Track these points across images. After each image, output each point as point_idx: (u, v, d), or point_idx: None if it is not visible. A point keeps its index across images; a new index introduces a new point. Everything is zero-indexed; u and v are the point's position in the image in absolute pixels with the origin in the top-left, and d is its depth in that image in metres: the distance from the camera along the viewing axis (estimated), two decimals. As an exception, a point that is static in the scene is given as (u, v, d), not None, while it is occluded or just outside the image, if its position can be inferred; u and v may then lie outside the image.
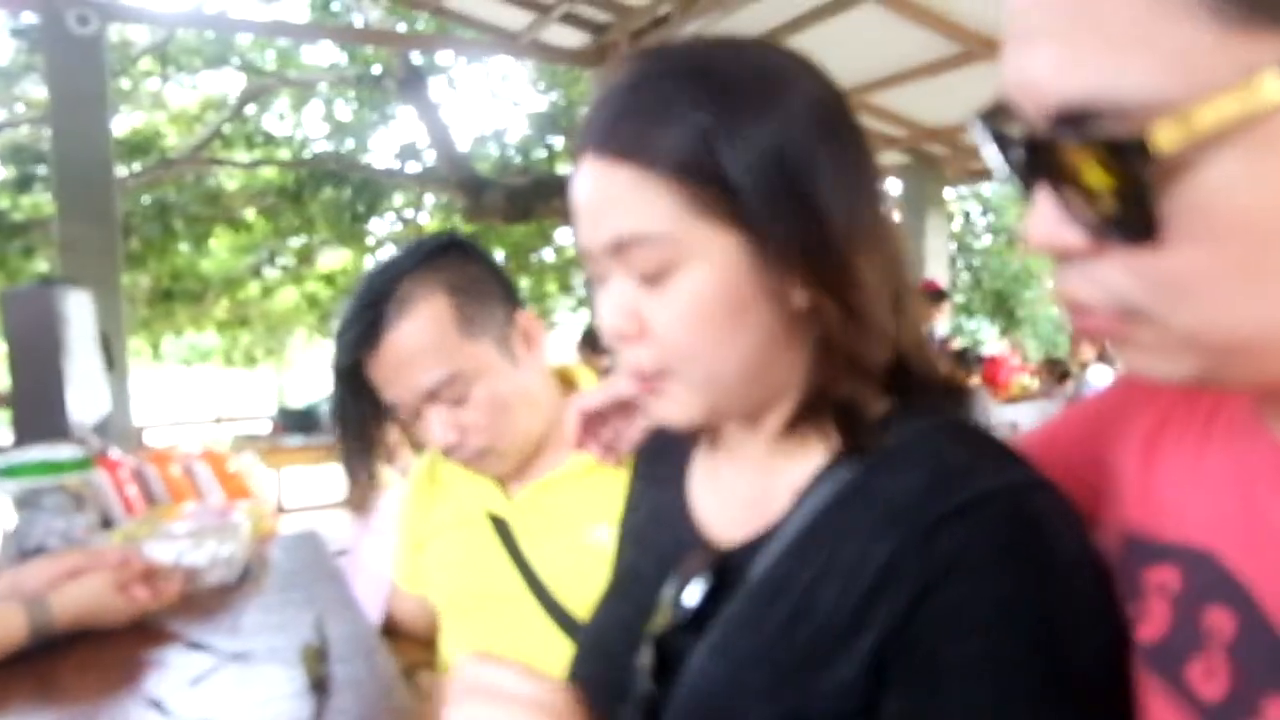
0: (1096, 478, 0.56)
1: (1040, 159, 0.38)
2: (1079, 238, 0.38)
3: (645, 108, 0.53)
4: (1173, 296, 0.37)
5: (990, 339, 12.76)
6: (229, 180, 10.56)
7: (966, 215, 13.32)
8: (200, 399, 17.23)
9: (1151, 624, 0.47)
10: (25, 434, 1.94)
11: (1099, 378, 4.95)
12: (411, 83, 8.50)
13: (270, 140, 10.50)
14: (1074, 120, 0.36)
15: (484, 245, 1.12)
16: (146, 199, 9.94)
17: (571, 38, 6.14)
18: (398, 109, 9.93)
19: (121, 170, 8.55)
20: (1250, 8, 0.31)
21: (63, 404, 2.02)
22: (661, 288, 0.54)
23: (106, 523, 1.52)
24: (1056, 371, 5.51)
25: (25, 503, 1.39)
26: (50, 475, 1.42)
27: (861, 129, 0.57)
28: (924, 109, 6.30)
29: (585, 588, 0.84)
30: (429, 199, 10.84)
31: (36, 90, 8.88)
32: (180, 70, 9.97)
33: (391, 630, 1.21)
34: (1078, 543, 0.50)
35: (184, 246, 10.64)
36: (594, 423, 0.80)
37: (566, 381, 1.16)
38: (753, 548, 0.57)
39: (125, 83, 9.60)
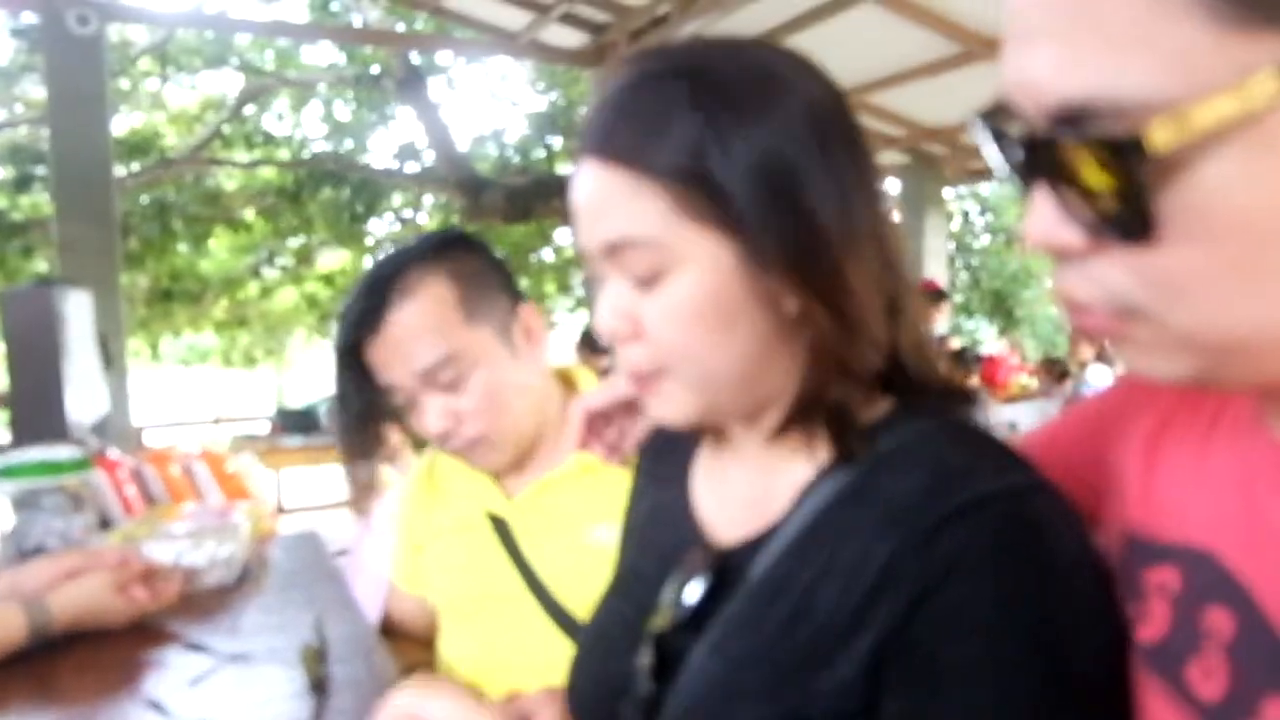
0: (1098, 478, 0.56)
1: (1039, 158, 0.38)
2: (1077, 237, 0.38)
3: (641, 112, 0.54)
4: (1170, 296, 0.37)
5: (989, 338, 12.76)
6: (228, 180, 10.56)
7: (965, 215, 13.33)
8: (199, 399, 17.22)
9: (1152, 624, 0.47)
10: (24, 434, 1.94)
11: (1098, 377, 4.96)
12: (410, 83, 8.50)
13: (269, 140, 10.50)
14: (1073, 119, 0.36)
15: (484, 244, 1.13)
16: (145, 199, 9.93)
17: (570, 38, 6.14)
18: (397, 109, 9.93)
19: (120, 170, 8.54)
20: (1247, 8, 0.32)
21: (61, 404, 2.02)
22: (655, 290, 0.54)
23: (105, 523, 1.52)
24: (1055, 371, 5.51)
25: (24, 503, 1.39)
26: (49, 476, 1.42)
27: (861, 130, 0.57)
28: (923, 109, 6.31)
29: (585, 588, 0.84)
30: (428, 199, 10.83)
31: (36, 90, 8.87)
32: (179, 70, 9.97)
33: (390, 631, 1.21)
34: (1078, 544, 0.50)
35: (183, 247, 10.64)
36: (598, 423, 0.80)
37: (566, 382, 1.15)
38: (753, 547, 0.57)
39: (124, 83, 9.60)
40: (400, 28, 8.91)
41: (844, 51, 5.11)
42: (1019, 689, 0.46)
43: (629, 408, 0.79)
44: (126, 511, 1.57)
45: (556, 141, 10.25)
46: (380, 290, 0.99)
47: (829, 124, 0.54)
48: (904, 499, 0.51)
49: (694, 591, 0.57)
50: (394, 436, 1.12)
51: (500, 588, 1.05)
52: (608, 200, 0.55)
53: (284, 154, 10.56)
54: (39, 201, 9.06)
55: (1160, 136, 0.33)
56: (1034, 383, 6.01)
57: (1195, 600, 0.44)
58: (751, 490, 0.61)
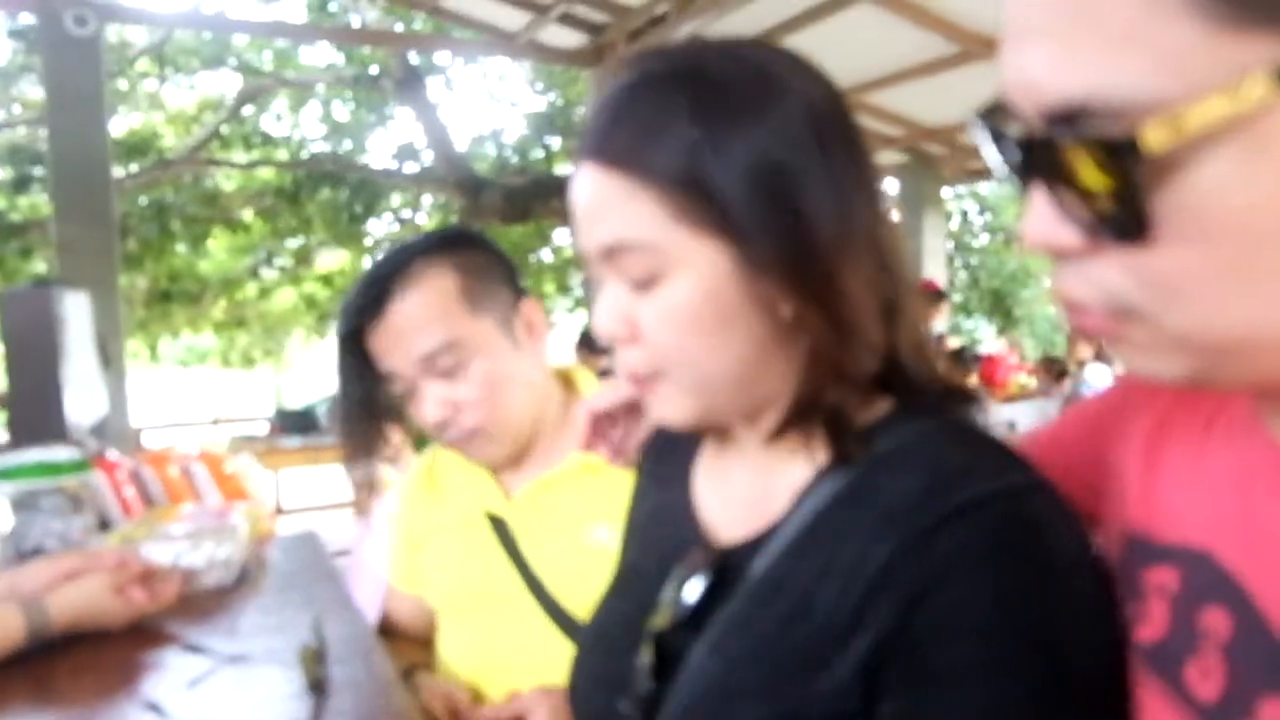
0: (1098, 478, 0.56)
1: (1036, 158, 0.38)
2: (1074, 237, 0.38)
3: (637, 116, 0.54)
4: (1166, 296, 0.37)
5: (988, 338, 12.78)
6: (226, 181, 10.56)
7: (964, 214, 13.35)
8: (198, 400, 17.22)
9: (1151, 625, 0.47)
10: (22, 435, 1.94)
11: (1096, 376, 4.96)
12: (409, 83, 8.50)
13: (268, 141, 10.50)
14: (1069, 119, 0.36)
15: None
16: (144, 200, 9.94)
17: (569, 38, 6.14)
18: (395, 109, 9.93)
19: (119, 171, 8.54)
20: (1240, 9, 0.32)
21: (60, 406, 2.02)
22: (651, 293, 0.55)
23: (104, 524, 1.51)
24: (1054, 370, 5.52)
25: (22, 504, 1.39)
26: (47, 477, 1.42)
27: (859, 131, 0.57)
28: (921, 108, 6.31)
29: (584, 588, 0.84)
30: (427, 199, 10.84)
31: (34, 91, 8.87)
32: (178, 71, 9.96)
33: (388, 631, 1.21)
34: (1076, 545, 0.50)
35: (181, 247, 10.64)
36: (603, 424, 0.80)
37: (566, 382, 1.16)
38: (753, 547, 0.57)
39: (123, 83, 9.60)
40: (398, 28, 8.90)
41: (842, 51, 5.12)
42: (1017, 690, 0.46)
43: (633, 409, 0.79)
44: (125, 513, 1.57)
45: (555, 142, 10.25)
46: (384, 279, 1.00)
47: (827, 125, 0.54)
48: (902, 499, 0.51)
49: (694, 590, 0.58)
50: (396, 437, 1.12)
51: (499, 587, 1.05)
52: (605, 204, 0.55)
53: (282, 154, 10.56)
54: (37, 202, 9.06)
55: (1155, 137, 0.33)
56: (1033, 382, 6.02)
57: (1193, 600, 0.44)
58: (752, 490, 0.61)
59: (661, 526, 0.69)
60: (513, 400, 1.04)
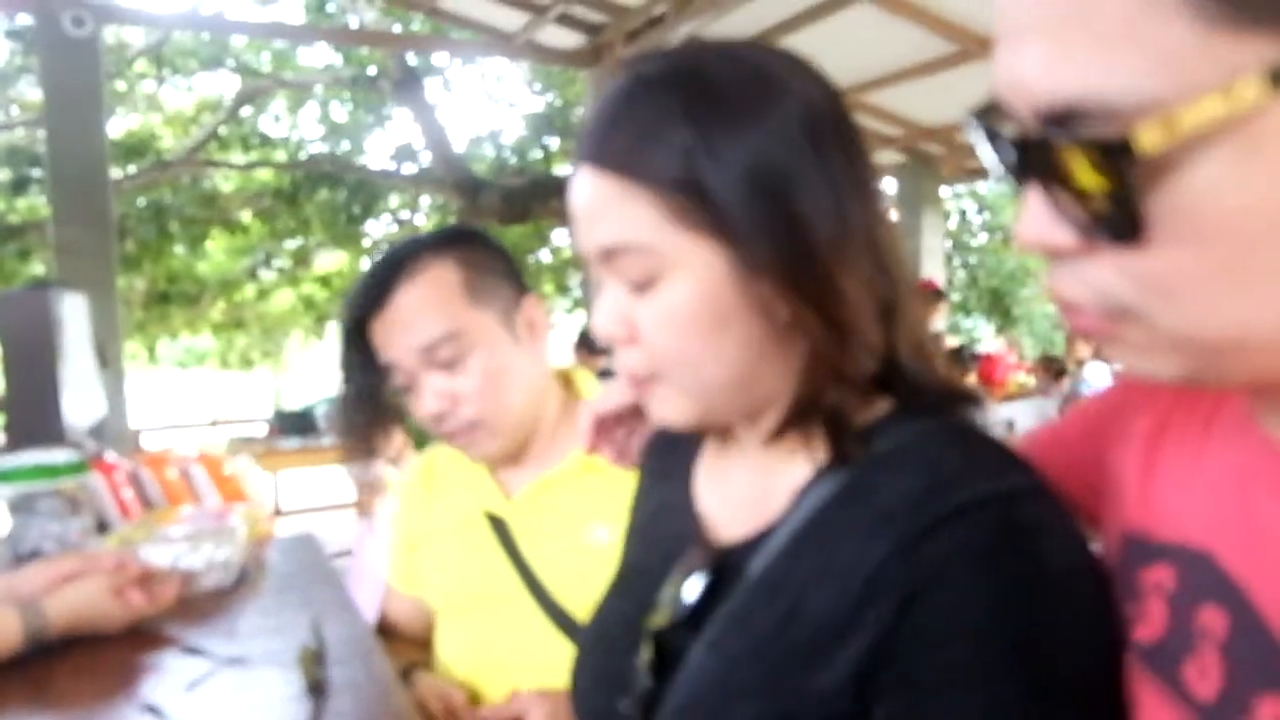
0: (1098, 478, 0.56)
1: (1031, 158, 0.38)
2: (1069, 237, 0.38)
3: (634, 120, 0.54)
4: (1160, 297, 0.37)
5: (986, 337, 12.78)
6: (225, 182, 10.55)
7: (963, 214, 13.35)
8: (196, 402, 17.21)
9: (1149, 625, 0.47)
10: (20, 438, 1.94)
11: (1095, 375, 4.96)
12: (407, 84, 8.50)
13: (266, 142, 10.49)
14: (1063, 119, 0.36)
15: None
16: (142, 201, 9.92)
17: (567, 38, 6.14)
18: (393, 110, 9.91)
19: (117, 172, 8.53)
20: (1234, 9, 0.31)
21: (58, 407, 2.01)
22: (649, 295, 0.55)
23: (102, 526, 1.51)
24: (1053, 369, 5.52)
25: (20, 507, 1.39)
26: (45, 479, 1.42)
27: (858, 132, 0.57)
28: (920, 108, 6.31)
29: (584, 588, 0.84)
30: (425, 200, 10.83)
31: (31, 92, 8.86)
32: (176, 72, 9.95)
33: (386, 631, 1.21)
34: (1073, 548, 0.50)
35: (180, 249, 10.63)
36: (608, 426, 0.80)
37: (567, 383, 1.16)
38: (752, 546, 0.58)
39: (120, 85, 9.59)
40: (397, 29, 8.89)
41: (840, 51, 5.12)
42: (1008, 695, 0.46)
43: (637, 411, 0.79)
44: (123, 515, 1.56)
45: (553, 142, 10.24)
46: (389, 271, 1.01)
47: (825, 126, 0.54)
48: (900, 499, 0.51)
49: (693, 589, 0.58)
50: (398, 438, 1.12)
51: (498, 587, 1.05)
52: (602, 206, 0.55)
53: (281, 155, 10.55)
54: (35, 204, 9.04)
55: (1149, 138, 0.33)
56: (1031, 381, 6.02)
57: (1190, 599, 0.44)
58: (752, 490, 0.61)
59: (663, 525, 0.69)
60: (511, 394, 1.04)
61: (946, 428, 0.56)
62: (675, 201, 0.53)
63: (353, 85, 9.62)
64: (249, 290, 12.00)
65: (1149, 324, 0.38)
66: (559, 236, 10.95)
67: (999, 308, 13.18)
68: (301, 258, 11.61)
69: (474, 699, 1.04)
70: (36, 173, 8.52)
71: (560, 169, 9.65)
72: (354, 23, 9.06)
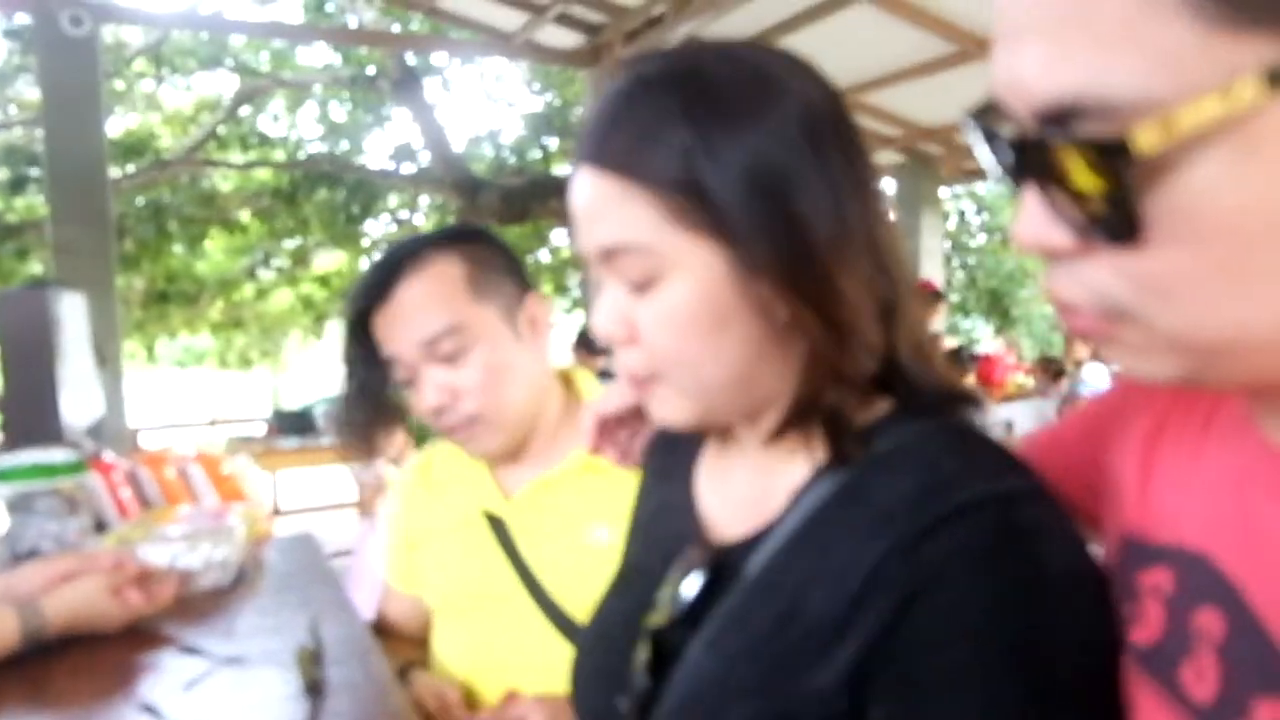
0: (1097, 480, 0.56)
1: (1028, 159, 0.38)
2: (1066, 238, 0.38)
3: (633, 120, 0.54)
4: (1157, 298, 0.37)
5: (985, 338, 12.79)
6: (223, 182, 10.54)
7: (961, 214, 13.36)
8: (195, 401, 17.20)
9: (1146, 626, 0.47)
10: (18, 437, 1.94)
11: (1094, 376, 4.97)
12: (406, 84, 8.49)
13: (265, 141, 10.48)
14: (1060, 119, 0.35)
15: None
16: (141, 201, 9.91)
17: (566, 38, 6.14)
18: (392, 110, 9.91)
19: (115, 172, 8.52)
20: (1233, 9, 0.31)
21: (56, 407, 2.01)
22: (648, 295, 0.55)
23: (100, 526, 1.51)
24: (1051, 370, 5.53)
25: (18, 506, 1.38)
26: (44, 478, 1.42)
27: (857, 132, 0.57)
28: (919, 108, 6.32)
29: (583, 588, 0.84)
30: (424, 200, 10.82)
31: (30, 92, 8.85)
32: (174, 71, 9.94)
33: (383, 630, 1.21)
34: (1070, 550, 0.50)
35: (178, 248, 10.62)
36: (610, 427, 0.80)
37: (567, 383, 1.16)
38: (750, 545, 0.58)
39: (119, 84, 9.58)
40: (395, 28, 8.89)
41: (839, 51, 5.12)
42: (1004, 697, 0.46)
43: (639, 412, 0.79)
44: (121, 514, 1.56)
45: (552, 142, 10.24)
46: (394, 265, 1.02)
47: (824, 126, 0.54)
48: (899, 500, 0.51)
49: (691, 588, 0.58)
50: (399, 437, 1.12)
51: (496, 587, 1.05)
52: (602, 207, 0.55)
53: (279, 155, 10.54)
54: (34, 203, 9.03)
55: (1146, 138, 0.33)
56: (1030, 381, 6.03)
57: (1187, 602, 0.44)
58: (751, 489, 0.61)
59: (664, 524, 0.69)
60: (511, 390, 1.04)
61: (945, 428, 0.56)
62: (674, 202, 0.53)
63: (351, 85, 9.62)
64: (248, 290, 11.99)
65: (1146, 325, 0.38)
66: (558, 236, 10.94)
67: (998, 308, 13.19)
68: (300, 257, 11.60)
69: (471, 699, 1.04)
70: (35, 172, 8.51)
71: (559, 169, 9.65)
72: (353, 22, 9.06)
